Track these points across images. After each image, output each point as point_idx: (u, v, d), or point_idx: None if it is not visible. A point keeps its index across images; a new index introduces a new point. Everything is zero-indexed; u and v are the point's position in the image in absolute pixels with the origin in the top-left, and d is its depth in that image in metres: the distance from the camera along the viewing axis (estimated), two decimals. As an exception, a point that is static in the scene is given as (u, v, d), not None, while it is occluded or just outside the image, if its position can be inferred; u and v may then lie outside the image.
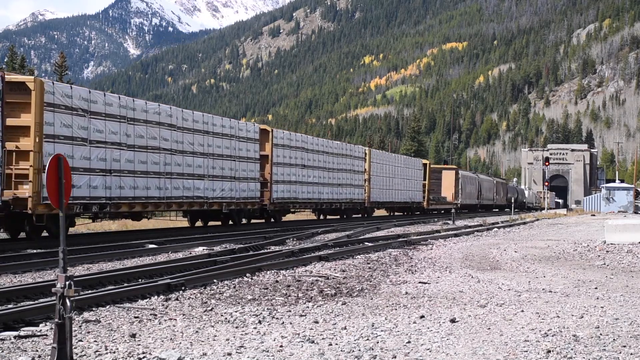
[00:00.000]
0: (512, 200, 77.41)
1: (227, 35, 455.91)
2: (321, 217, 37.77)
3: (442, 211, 55.95)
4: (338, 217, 37.77)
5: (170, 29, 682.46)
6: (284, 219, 33.46)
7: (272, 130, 28.99)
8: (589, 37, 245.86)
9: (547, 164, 69.42)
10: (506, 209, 77.90)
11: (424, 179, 50.93)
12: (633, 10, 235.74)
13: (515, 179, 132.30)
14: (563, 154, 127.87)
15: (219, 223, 27.36)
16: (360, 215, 40.59)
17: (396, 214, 49.23)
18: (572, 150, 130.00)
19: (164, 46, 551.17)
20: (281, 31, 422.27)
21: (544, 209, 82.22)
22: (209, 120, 24.52)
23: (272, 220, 30.68)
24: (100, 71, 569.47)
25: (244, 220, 28.98)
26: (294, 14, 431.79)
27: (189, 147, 23.07)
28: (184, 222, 29.15)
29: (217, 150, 24.79)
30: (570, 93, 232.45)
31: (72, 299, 5.88)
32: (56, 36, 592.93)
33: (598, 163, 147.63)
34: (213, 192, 24.47)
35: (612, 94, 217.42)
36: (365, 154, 39.78)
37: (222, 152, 25.07)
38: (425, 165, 52.18)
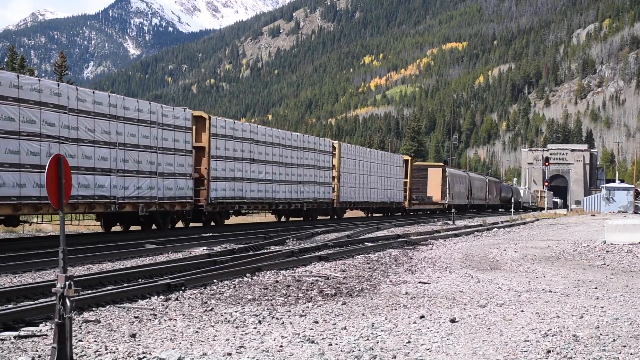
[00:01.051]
0: (507, 200, 75.03)
1: (227, 36, 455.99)
2: (282, 219, 34.21)
3: (428, 212, 51.96)
4: (301, 219, 33.88)
5: (170, 29, 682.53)
6: (232, 221, 29.46)
7: (209, 117, 24.46)
8: (589, 37, 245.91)
9: (547, 164, 69.27)
10: (500, 209, 75.41)
11: (405, 177, 46.53)
12: (633, 10, 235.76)
13: (515, 179, 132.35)
14: (563, 154, 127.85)
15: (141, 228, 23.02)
16: (328, 217, 36.36)
17: (375, 215, 44.17)
18: (572, 150, 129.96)
19: (164, 46, 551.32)
20: (281, 31, 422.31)
21: (541, 209, 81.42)
22: (118, 102, 19.92)
23: (213, 223, 26.12)
24: (100, 71, 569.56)
25: (180, 224, 25.39)
26: (294, 14, 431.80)
27: (87, 135, 18.60)
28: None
29: (131, 139, 20.23)
30: (570, 93, 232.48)
31: (72, 299, 5.88)
32: (56, 36, 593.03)
33: (598, 163, 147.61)
34: (124, 190, 19.99)
35: (612, 94, 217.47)
36: (334, 147, 35.32)
37: (137, 142, 20.48)
38: (406, 161, 47.66)
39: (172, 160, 22.18)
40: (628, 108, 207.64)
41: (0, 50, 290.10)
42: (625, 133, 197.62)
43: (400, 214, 46.81)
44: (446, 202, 52.50)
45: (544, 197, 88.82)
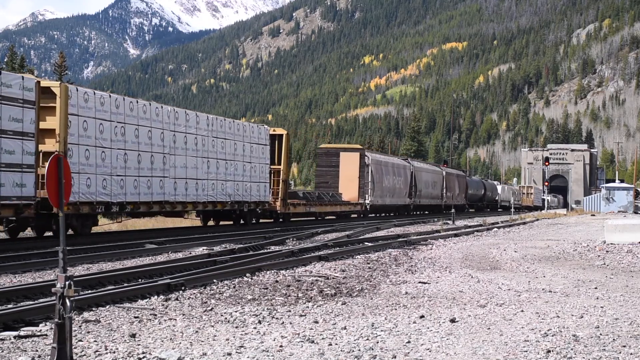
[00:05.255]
0: (478, 199, 65.04)
1: (227, 35, 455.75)
2: None
3: (337, 216, 36.10)
4: None
5: (170, 29, 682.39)
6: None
7: None
8: (588, 37, 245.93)
9: (547, 164, 69.29)
10: (470, 210, 63.62)
11: (277, 162, 29.63)
12: (633, 10, 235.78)
13: (515, 179, 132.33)
14: (563, 154, 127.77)
15: None
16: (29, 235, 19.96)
17: (222, 223, 27.76)
18: (572, 150, 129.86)
19: (164, 46, 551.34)
20: (281, 31, 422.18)
21: (529, 208, 78.49)
22: None
23: None
24: (100, 71, 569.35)
25: None
26: (294, 14, 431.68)
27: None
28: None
29: None
30: (570, 93, 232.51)
31: (72, 299, 5.87)
32: (56, 36, 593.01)
33: (598, 163, 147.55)
34: None
35: (612, 94, 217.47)
36: (48, 92, 17.36)
37: None
38: (279, 137, 29.98)
39: None
40: (628, 108, 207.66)
41: (0, 50, 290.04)
42: (625, 133, 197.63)
43: (274, 220, 30.12)
44: (366, 201, 38.13)
45: (531, 193, 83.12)
